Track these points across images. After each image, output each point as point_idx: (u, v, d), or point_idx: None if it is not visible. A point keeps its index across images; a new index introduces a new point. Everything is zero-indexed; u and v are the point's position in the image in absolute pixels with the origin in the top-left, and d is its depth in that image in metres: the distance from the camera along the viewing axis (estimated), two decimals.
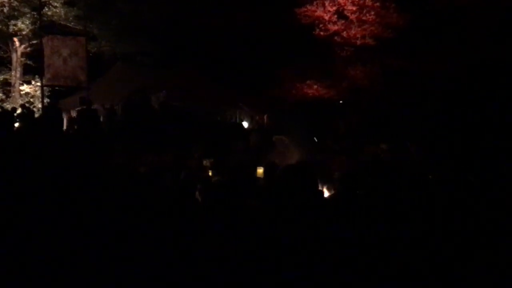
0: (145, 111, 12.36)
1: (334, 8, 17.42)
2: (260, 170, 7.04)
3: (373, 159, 8.14)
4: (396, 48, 16.94)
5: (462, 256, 3.78)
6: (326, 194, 5.66)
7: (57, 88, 18.04)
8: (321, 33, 17.60)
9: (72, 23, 20.79)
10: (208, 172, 8.27)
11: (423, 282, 3.67)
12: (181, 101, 15.36)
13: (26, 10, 19.82)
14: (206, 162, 8.67)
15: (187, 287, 3.96)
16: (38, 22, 17.91)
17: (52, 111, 14.34)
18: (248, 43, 21.41)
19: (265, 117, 18.14)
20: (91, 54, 18.95)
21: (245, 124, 17.19)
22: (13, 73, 21.11)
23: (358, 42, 17.45)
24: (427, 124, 14.36)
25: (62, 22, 20.79)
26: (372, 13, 17.06)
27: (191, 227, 4.63)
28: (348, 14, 17.42)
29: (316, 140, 10.64)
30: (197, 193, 5.91)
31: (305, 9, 17.64)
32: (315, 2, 17.45)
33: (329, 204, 4.64)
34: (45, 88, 16.88)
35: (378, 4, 16.96)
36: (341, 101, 18.51)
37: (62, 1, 20.43)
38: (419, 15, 16.68)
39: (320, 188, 6.40)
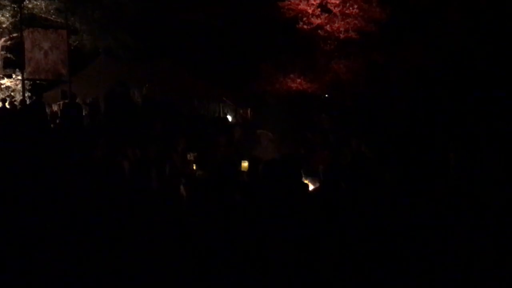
0: (127, 105, 12.25)
1: (318, 1, 17.45)
2: (244, 164, 7.04)
3: (356, 153, 8.17)
4: (379, 41, 17.03)
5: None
6: (311, 187, 5.68)
7: (38, 81, 17.83)
8: (305, 26, 17.60)
9: (53, 16, 20.51)
10: (192, 166, 8.25)
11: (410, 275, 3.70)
12: (164, 95, 15.27)
13: (6, 2, 19.52)
14: (190, 156, 8.64)
15: (173, 283, 3.96)
16: (19, 15, 17.66)
17: (36, 105, 14.15)
18: (231, 36, 21.36)
19: (248, 111, 18.16)
20: (72, 48, 18.73)
21: (229, 118, 17.17)
22: None
23: (342, 35, 17.48)
24: (409, 118, 14.46)
25: (43, 15, 20.50)
26: (355, 6, 17.11)
27: (176, 222, 4.63)
28: (332, 8, 17.46)
29: (300, 134, 10.66)
30: (181, 187, 5.90)
31: (289, 3, 17.63)
32: None
33: (314, 197, 4.66)
34: (26, 81, 16.67)
35: None
36: (326, 95, 18.55)
37: None
38: (401, 8, 16.78)
39: (304, 181, 6.43)
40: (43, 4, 20.19)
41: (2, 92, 20.46)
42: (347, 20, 17.38)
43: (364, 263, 3.64)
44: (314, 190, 5.11)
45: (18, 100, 17.98)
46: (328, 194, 4.22)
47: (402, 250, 3.78)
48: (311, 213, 3.88)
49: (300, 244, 3.63)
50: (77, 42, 21.07)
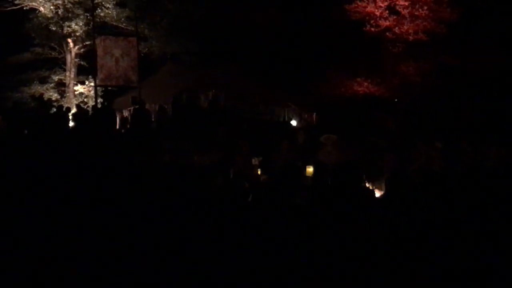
0: (193, 110, 12.46)
1: (386, 3, 17.17)
2: (309, 169, 6.95)
3: (426, 159, 7.91)
4: (449, 43, 16.51)
5: None
6: (377, 193, 5.54)
7: (109, 88, 18.40)
8: (372, 29, 17.36)
9: (123, 24, 21.18)
10: (257, 171, 8.25)
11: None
12: (229, 100, 15.42)
13: (80, 11, 20.28)
14: (254, 161, 8.65)
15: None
16: (91, 23, 18.31)
17: (105, 110, 14.66)
18: (296, 40, 21.30)
19: (313, 115, 18.03)
20: (142, 54, 19.24)
21: (294, 123, 17.09)
22: (67, 73, 21.62)
23: (411, 37, 17.11)
24: (482, 123, 13.90)
25: (114, 23, 21.20)
26: (425, 8, 16.72)
27: (241, 226, 4.63)
28: (400, 9, 17.13)
29: (365, 138, 10.45)
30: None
31: (356, 5, 17.45)
32: None
33: (379, 204, 4.53)
34: (98, 88, 17.24)
35: None
36: (396, 100, 18.16)
37: (114, 3, 20.81)
38: (471, 8, 16.20)
39: (370, 187, 6.28)
40: (114, 13, 20.86)
41: (76, 98, 21.26)
42: (416, 22, 17.00)
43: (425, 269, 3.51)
44: (380, 197, 4.98)
45: (91, 106, 18.69)
46: (394, 201, 4.08)
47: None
48: (375, 220, 3.76)
49: (362, 250, 3.54)
50: (146, 49, 21.63)
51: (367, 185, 6.45)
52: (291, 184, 4.85)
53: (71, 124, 14.59)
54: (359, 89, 17.71)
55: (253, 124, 13.26)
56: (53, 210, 5.85)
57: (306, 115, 17.97)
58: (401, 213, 3.86)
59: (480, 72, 16.17)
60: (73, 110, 15.85)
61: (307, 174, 6.77)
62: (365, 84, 17.61)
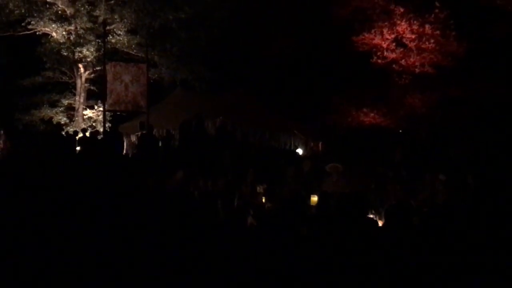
0: (201, 136, 12.56)
1: (393, 36, 17.32)
2: (313, 198, 7.00)
3: (431, 190, 7.94)
4: (455, 75, 16.60)
5: None
6: (380, 223, 5.57)
7: (118, 113, 18.54)
8: (379, 61, 17.50)
9: (134, 51, 21.46)
10: (261, 199, 8.30)
11: None
12: (237, 126, 15.52)
13: (91, 38, 20.58)
14: (259, 188, 8.70)
15: None
16: (102, 49, 18.57)
17: (113, 134, 14.77)
18: (304, 69, 21.50)
19: (319, 144, 18.09)
20: (151, 80, 19.43)
21: (300, 151, 17.14)
22: (77, 98, 21.82)
23: (417, 70, 17.23)
24: (488, 156, 13.87)
25: (124, 50, 21.50)
26: (432, 41, 16.84)
27: (243, 252, 4.67)
28: (407, 42, 17.27)
29: (371, 168, 10.49)
30: (250, 218, 5.95)
31: (363, 37, 17.61)
32: (373, 30, 17.41)
33: (382, 234, 4.56)
34: (107, 112, 17.40)
35: (438, 32, 16.75)
36: (400, 130, 18.22)
37: (125, 30, 21.11)
38: (479, 41, 16.31)
39: (374, 217, 6.31)
40: (125, 39, 21.16)
41: (85, 122, 21.43)
42: (423, 54, 17.12)
43: None
44: (382, 226, 5.01)
45: (100, 130, 18.83)
46: (395, 232, 4.12)
47: None
48: (375, 249, 3.80)
49: (364, 279, 3.57)
50: (156, 75, 21.86)
51: (371, 215, 6.50)
52: (296, 213, 4.91)
53: (78, 147, 14.74)
54: (366, 119, 17.79)
55: (259, 151, 13.33)
56: (59, 230, 5.91)
57: (312, 144, 18.02)
58: (400, 244, 3.90)
59: (487, 104, 16.20)
60: (80, 134, 15.97)
61: (312, 203, 6.82)
62: (371, 114, 17.69)
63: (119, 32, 21.03)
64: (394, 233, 3.94)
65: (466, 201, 6.54)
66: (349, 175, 9.35)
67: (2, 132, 13.28)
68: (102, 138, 15.38)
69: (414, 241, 3.89)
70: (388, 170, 10.04)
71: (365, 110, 17.76)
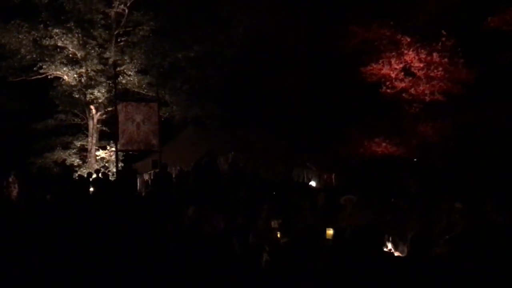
0: (214, 174, 12.54)
1: (401, 65, 17.38)
2: (329, 232, 6.91)
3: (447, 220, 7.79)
4: (466, 102, 16.53)
5: None
6: (396, 253, 5.48)
7: (130, 152, 18.62)
8: (388, 90, 17.53)
9: (145, 90, 21.71)
10: (276, 234, 8.20)
11: None
12: (249, 161, 15.51)
13: (102, 79, 20.86)
14: (274, 223, 8.60)
15: None
16: (113, 90, 18.79)
17: (126, 173, 14.79)
18: (314, 102, 21.56)
19: (333, 176, 17.99)
20: (163, 119, 19.57)
21: (313, 183, 17.04)
22: (89, 139, 22.02)
23: (427, 98, 17.22)
24: (506, 182, 13.66)
25: (135, 90, 21.76)
26: (440, 69, 16.87)
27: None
28: (416, 71, 17.32)
29: (386, 199, 10.37)
30: (265, 255, 5.88)
31: (371, 68, 17.70)
32: (381, 61, 17.50)
33: (400, 266, 4.48)
34: (119, 152, 17.47)
35: (446, 60, 16.79)
36: (415, 159, 18.08)
37: (136, 70, 21.41)
38: (487, 68, 16.29)
39: (391, 249, 6.21)
40: (136, 80, 21.43)
41: (98, 163, 21.54)
42: (432, 82, 17.13)
43: None
44: (401, 258, 4.92)
45: (112, 171, 18.89)
46: (414, 264, 4.03)
47: None
48: (392, 282, 3.72)
49: None
50: (167, 113, 22.04)
51: (389, 246, 6.39)
52: (311, 248, 4.84)
53: (91, 189, 14.75)
54: (378, 149, 17.72)
55: (272, 185, 13.26)
56: (73, 270, 5.89)
57: (325, 176, 17.94)
58: (426, 275, 3.82)
59: (500, 129, 16.07)
60: (94, 175, 16.02)
61: (327, 237, 6.72)
62: (384, 144, 17.62)
63: (130, 72, 21.32)
64: (418, 263, 3.86)
65: (486, 229, 6.41)
66: (364, 207, 9.23)
67: (12, 176, 13.32)
68: (115, 178, 15.41)
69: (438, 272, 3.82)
70: (404, 200, 9.90)
71: (377, 140, 17.70)
